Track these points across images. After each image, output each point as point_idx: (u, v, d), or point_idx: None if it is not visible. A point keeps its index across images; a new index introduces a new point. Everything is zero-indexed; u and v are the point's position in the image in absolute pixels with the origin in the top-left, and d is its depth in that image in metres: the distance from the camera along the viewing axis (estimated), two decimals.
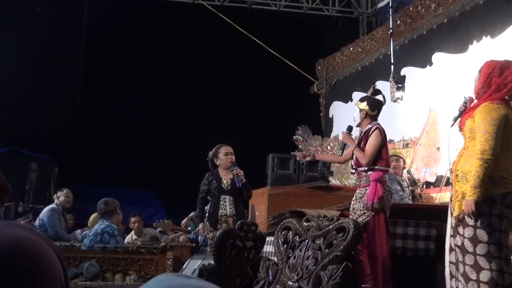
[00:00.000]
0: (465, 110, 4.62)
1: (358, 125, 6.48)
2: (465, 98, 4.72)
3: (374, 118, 6.41)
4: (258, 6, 15.70)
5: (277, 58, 15.12)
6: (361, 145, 6.25)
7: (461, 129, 4.62)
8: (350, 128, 6.59)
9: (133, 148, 15.81)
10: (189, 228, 10.68)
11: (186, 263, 7.47)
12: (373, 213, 5.96)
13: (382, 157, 6.20)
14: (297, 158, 7.41)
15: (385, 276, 5.94)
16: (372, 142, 6.16)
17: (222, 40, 15.56)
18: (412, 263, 6.45)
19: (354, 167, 6.38)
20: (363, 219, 5.93)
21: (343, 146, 6.62)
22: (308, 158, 7.17)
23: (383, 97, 6.70)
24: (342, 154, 6.73)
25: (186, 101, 15.92)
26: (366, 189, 6.07)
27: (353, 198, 6.24)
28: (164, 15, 15.25)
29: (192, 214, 10.66)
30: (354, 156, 6.32)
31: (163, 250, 7.40)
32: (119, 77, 15.69)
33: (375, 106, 6.42)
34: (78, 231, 10.31)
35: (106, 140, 15.56)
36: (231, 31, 14.86)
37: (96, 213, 9.06)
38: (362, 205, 6.04)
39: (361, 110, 6.40)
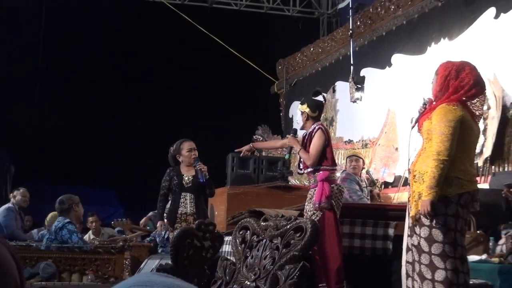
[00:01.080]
0: (424, 112, 4.65)
1: (302, 128, 6.52)
2: (424, 99, 4.75)
3: (316, 119, 6.45)
4: (219, 5, 15.67)
5: (237, 58, 15.11)
6: (306, 147, 6.30)
7: (419, 130, 4.66)
8: (295, 131, 6.64)
9: (91, 146, 15.66)
10: (148, 228, 10.62)
11: (143, 263, 7.42)
12: (321, 213, 6.01)
13: (326, 156, 6.26)
14: (242, 155, 7.37)
15: (336, 275, 5.97)
16: (315, 143, 6.21)
17: (182, 39, 15.49)
18: (370, 263, 6.49)
19: (301, 168, 6.42)
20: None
21: (290, 149, 6.66)
22: (248, 151, 7.17)
23: (324, 97, 6.74)
24: (289, 157, 6.78)
25: (145, 99, 15.83)
26: (315, 190, 6.12)
27: (307, 198, 6.32)
28: (124, 12, 15.13)
29: (150, 213, 10.59)
30: (301, 158, 6.37)
31: (121, 250, 7.32)
32: (77, 74, 15.52)
33: (315, 107, 6.45)
34: (35, 230, 10.18)
35: (63, 138, 15.37)
36: (192, 30, 14.81)
37: (53, 212, 8.94)
38: (312, 206, 6.10)
39: (302, 113, 6.45)
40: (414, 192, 4.48)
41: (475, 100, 4.58)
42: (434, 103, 4.64)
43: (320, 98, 6.62)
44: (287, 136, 6.63)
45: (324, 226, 5.96)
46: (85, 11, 15.04)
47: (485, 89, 4.70)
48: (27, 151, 14.97)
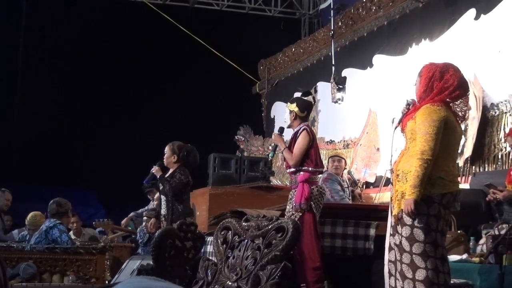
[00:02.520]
0: (408, 112, 4.67)
1: (289, 127, 6.53)
2: (407, 100, 4.77)
3: (304, 119, 6.47)
4: (200, 5, 15.66)
5: (219, 58, 15.11)
6: (291, 147, 6.32)
7: (403, 130, 4.68)
8: (281, 130, 6.64)
9: (72, 146, 15.57)
10: (129, 228, 10.60)
11: (125, 263, 7.40)
12: (300, 214, 6.02)
13: (310, 157, 6.27)
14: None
15: (314, 275, 5.98)
16: (299, 143, 6.23)
17: (164, 39, 15.45)
18: (351, 263, 6.51)
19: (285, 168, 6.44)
20: None
21: (274, 148, 6.66)
22: None
23: (313, 98, 6.76)
24: (273, 155, 6.78)
25: (126, 99, 15.75)
26: (295, 191, 6.14)
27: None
28: (105, 12, 15.07)
29: (132, 214, 10.58)
30: (284, 157, 6.38)
31: (102, 251, 7.28)
32: (58, 73, 15.43)
33: (304, 108, 6.47)
34: (16, 231, 10.11)
35: (43, 138, 15.27)
36: (173, 30, 14.78)
37: (33, 212, 8.89)
38: (291, 206, 6.12)
39: (291, 112, 6.46)
40: (397, 191, 4.49)
41: (458, 102, 4.61)
42: (417, 104, 4.66)
43: (309, 98, 6.64)
44: (274, 133, 6.61)
45: (302, 227, 5.97)
46: (66, 9, 14.95)
47: (469, 91, 4.73)
48: (6, 151, 14.87)
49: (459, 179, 9.18)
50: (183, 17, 15.07)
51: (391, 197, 4.69)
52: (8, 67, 14.96)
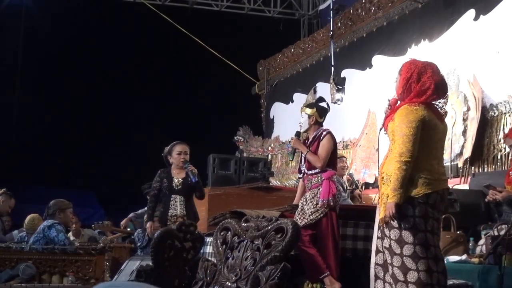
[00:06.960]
0: (388, 113, 4.64)
1: (305, 131, 6.54)
2: (388, 101, 4.73)
3: (320, 124, 6.50)
4: (199, 6, 15.66)
5: (218, 59, 15.11)
6: (310, 150, 6.34)
7: (386, 131, 4.65)
8: (298, 134, 6.64)
9: (70, 147, 15.57)
10: (128, 229, 10.57)
11: (124, 264, 7.38)
12: (326, 210, 6.03)
13: (331, 160, 6.31)
14: None
15: (336, 273, 6.01)
16: (325, 146, 6.27)
17: (163, 40, 15.47)
18: (350, 264, 6.50)
19: (304, 171, 6.40)
20: (316, 216, 6.01)
21: (294, 151, 6.67)
22: None
23: (327, 104, 6.78)
24: (293, 158, 6.77)
25: (125, 100, 15.75)
26: (319, 189, 6.13)
27: (302, 201, 6.26)
28: (105, 13, 15.07)
29: (131, 215, 10.54)
30: (306, 160, 6.36)
31: (101, 251, 7.28)
32: (57, 72, 15.44)
33: (323, 113, 6.54)
34: (15, 231, 10.09)
35: (42, 139, 15.28)
36: (172, 31, 14.78)
37: (31, 215, 8.88)
38: (315, 203, 6.09)
39: (310, 116, 6.46)
40: (383, 194, 4.44)
41: (437, 102, 4.56)
42: (399, 102, 4.62)
43: (324, 104, 6.67)
44: (294, 137, 6.60)
45: (327, 224, 6.02)
46: (65, 9, 14.95)
47: (447, 91, 4.67)
48: (6, 151, 14.86)
49: (458, 179, 9.25)
50: (182, 18, 15.06)
51: (378, 200, 4.66)
52: (7, 67, 14.96)
